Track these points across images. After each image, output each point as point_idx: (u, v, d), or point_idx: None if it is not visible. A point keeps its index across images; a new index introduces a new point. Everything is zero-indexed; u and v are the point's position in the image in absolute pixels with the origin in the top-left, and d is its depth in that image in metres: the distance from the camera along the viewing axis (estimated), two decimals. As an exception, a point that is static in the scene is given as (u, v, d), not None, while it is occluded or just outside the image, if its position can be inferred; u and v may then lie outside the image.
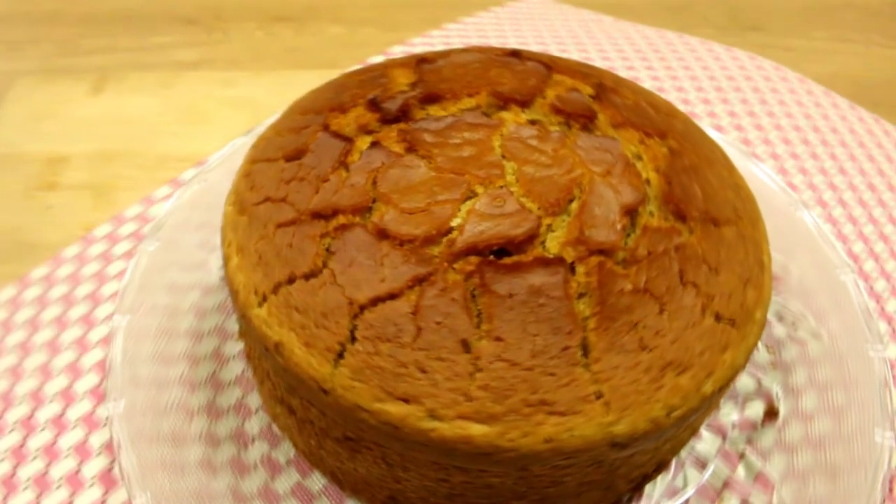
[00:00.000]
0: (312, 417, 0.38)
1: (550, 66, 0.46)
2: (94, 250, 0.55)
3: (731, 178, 0.44)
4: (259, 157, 0.43)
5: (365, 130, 0.41)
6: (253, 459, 0.43)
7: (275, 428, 0.45)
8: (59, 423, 0.46)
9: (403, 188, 0.38)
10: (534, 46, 0.77)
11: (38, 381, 0.48)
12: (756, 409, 0.46)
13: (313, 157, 0.40)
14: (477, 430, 0.32)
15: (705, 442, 0.45)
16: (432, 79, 0.44)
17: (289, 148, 0.42)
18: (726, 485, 0.43)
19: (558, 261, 0.35)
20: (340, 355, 0.34)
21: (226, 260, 0.39)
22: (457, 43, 0.79)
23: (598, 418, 0.33)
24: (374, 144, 0.39)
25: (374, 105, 0.43)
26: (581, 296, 0.35)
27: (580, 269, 0.35)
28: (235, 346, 0.48)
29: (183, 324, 0.48)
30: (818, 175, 0.64)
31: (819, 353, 0.48)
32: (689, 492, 0.42)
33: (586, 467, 0.36)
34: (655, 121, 0.44)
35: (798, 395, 0.46)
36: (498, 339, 0.33)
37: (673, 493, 0.42)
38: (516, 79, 0.44)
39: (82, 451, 0.45)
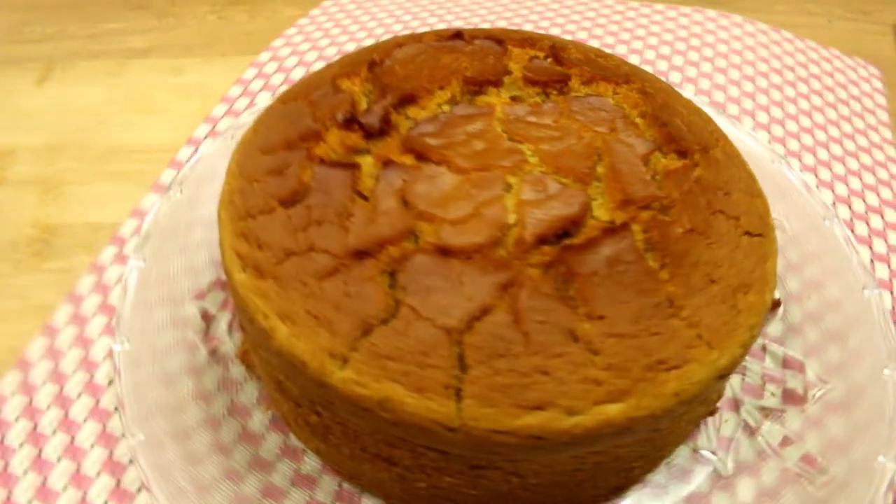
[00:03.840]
0: (425, 462, 0.36)
1: (501, 39, 0.45)
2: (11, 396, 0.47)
3: (689, 104, 0.47)
4: (245, 213, 0.38)
5: (354, 151, 0.39)
6: (343, 526, 0.40)
7: (346, 486, 0.42)
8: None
9: (438, 200, 0.36)
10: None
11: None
12: (757, 304, 0.51)
13: (320, 195, 0.37)
14: (614, 409, 0.32)
15: (732, 347, 0.48)
16: (392, 81, 0.42)
17: (281, 193, 0.38)
18: (764, 378, 0.47)
19: (622, 226, 0.35)
20: (458, 389, 0.32)
21: (269, 333, 0.35)
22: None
23: (706, 359, 0.34)
24: (388, 164, 0.37)
25: (350, 123, 0.40)
26: (645, 252, 0.35)
27: (635, 227, 0.36)
28: (262, 419, 0.44)
29: (194, 416, 0.43)
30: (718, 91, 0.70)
31: (783, 240, 0.53)
32: (744, 398, 0.46)
33: (698, 406, 0.38)
34: (612, 69, 0.45)
35: (782, 281, 0.51)
36: (600, 317, 0.33)
37: (727, 402, 0.46)
38: (475, 60, 0.43)
39: None
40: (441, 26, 0.76)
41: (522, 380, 0.32)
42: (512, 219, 0.35)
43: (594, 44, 0.74)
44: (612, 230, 0.35)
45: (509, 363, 0.32)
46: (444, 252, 0.34)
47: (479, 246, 0.34)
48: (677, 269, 0.36)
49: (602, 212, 0.36)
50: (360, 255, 0.34)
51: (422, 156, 0.38)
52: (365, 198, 0.36)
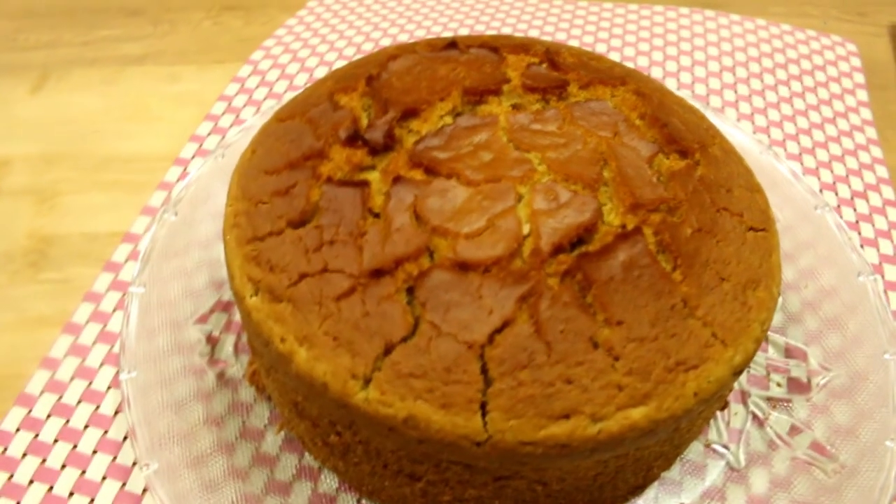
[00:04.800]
0: (449, 476, 0.36)
1: (496, 47, 0.45)
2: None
3: (683, 101, 0.47)
4: (254, 235, 0.38)
5: (361, 168, 0.39)
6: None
7: (365, 503, 0.41)
8: None
9: (451, 214, 0.36)
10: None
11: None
12: (756, 296, 0.51)
13: (331, 215, 0.37)
14: (638, 413, 0.33)
15: (735, 340, 0.49)
16: (392, 95, 0.42)
17: (290, 214, 0.37)
18: (768, 368, 0.48)
19: (635, 230, 0.36)
20: (484, 402, 0.32)
21: (287, 356, 0.35)
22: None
23: (722, 357, 0.35)
24: (397, 179, 0.37)
25: (354, 139, 0.39)
26: (658, 254, 0.36)
27: (647, 230, 0.36)
28: (275, 440, 0.43)
29: (207, 441, 0.42)
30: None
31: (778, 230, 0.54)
32: (751, 389, 0.47)
33: (714, 403, 0.38)
34: (606, 71, 0.45)
35: (778, 270, 0.52)
36: (619, 322, 0.34)
37: (735, 394, 0.46)
38: (473, 69, 0.43)
39: None
40: (420, 32, 0.76)
41: (547, 389, 0.32)
42: (526, 229, 0.35)
43: (574, 44, 0.75)
44: (625, 235, 0.35)
45: (533, 374, 0.32)
46: (462, 266, 0.34)
47: (496, 259, 0.34)
48: (689, 270, 0.36)
49: (613, 216, 0.37)
50: (377, 273, 0.34)
51: (430, 170, 0.38)
52: (376, 215, 0.36)
